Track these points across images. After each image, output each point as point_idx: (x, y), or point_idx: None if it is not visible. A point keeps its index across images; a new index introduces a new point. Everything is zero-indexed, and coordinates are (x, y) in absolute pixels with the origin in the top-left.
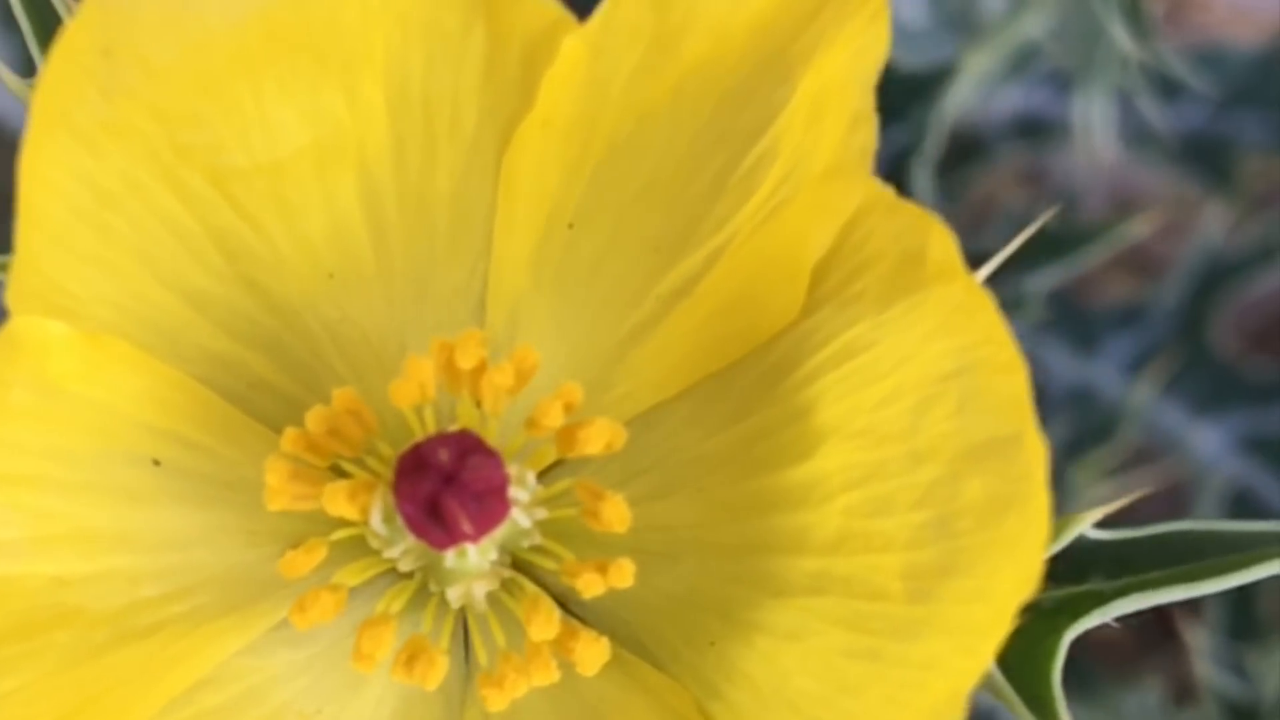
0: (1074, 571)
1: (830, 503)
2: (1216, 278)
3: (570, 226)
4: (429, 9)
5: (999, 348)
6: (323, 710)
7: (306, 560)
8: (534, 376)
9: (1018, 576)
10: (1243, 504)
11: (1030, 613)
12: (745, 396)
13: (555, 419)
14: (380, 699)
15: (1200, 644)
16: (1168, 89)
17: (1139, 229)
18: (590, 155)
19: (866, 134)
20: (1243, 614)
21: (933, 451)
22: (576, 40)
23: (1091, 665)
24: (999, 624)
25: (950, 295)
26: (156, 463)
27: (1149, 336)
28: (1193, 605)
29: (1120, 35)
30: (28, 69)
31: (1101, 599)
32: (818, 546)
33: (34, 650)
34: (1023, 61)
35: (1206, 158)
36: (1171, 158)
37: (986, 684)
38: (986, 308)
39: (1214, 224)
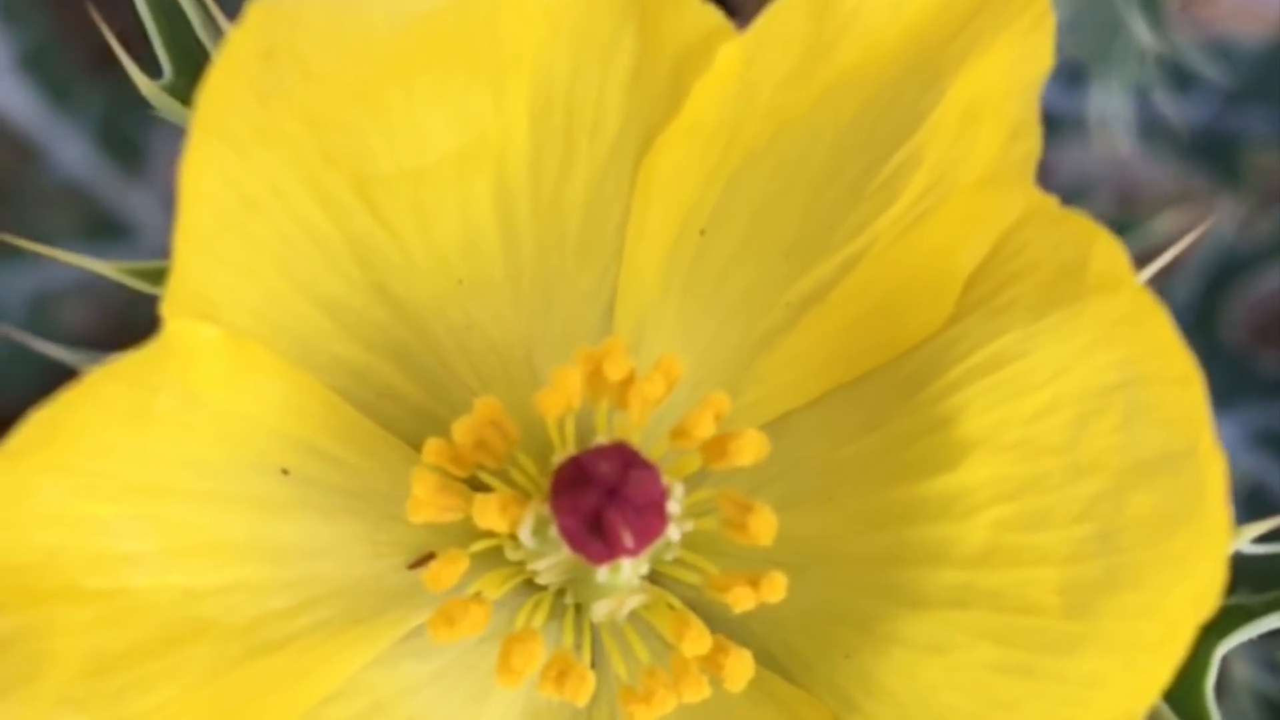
0: None
1: (977, 515)
2: (1227, 273)
3: (702, 233)
4: (582, 15)
5: (1170, 360)
6: None
7: (450, 572)
8: (677, 386)
9: (1191, 594)
10: (1256, 500)
11: None
12: (880, 405)
13: (706, 429)
14: (505, 713)
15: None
16: (1177, 83)
17: (1163, 227)
18: (728, 161)
19: (1029, 143)
20: None
21: (1096, 465)
22: (734, 50)
23: None
24: (1172, 642)
25: (1113, 306)
26: (285, 472)
27: None
28: None
29: (1140, 28)
30: (28, 63)
31: (1250, 614)
32: (961, 559)
33: (173, 666)
34: None
35: (1214, 152)
36: (1180, 152)
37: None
38: (1156, 318)
39: (1225, 220)
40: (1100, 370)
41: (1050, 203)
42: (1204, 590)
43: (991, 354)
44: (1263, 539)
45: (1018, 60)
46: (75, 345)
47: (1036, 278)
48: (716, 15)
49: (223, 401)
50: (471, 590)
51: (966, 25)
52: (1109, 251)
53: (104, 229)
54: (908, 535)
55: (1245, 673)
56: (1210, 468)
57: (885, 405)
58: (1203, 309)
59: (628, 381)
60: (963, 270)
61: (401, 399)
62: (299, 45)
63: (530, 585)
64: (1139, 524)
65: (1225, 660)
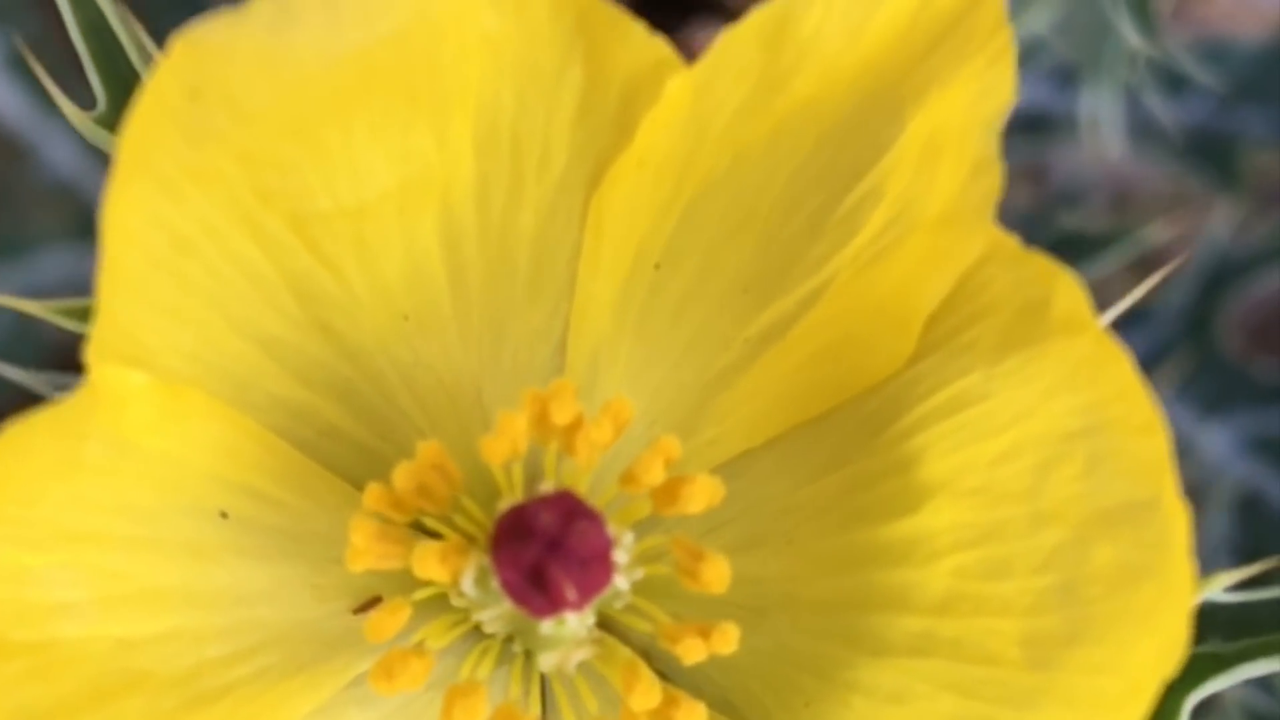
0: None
1: (938, 562)
2: (1223, 277)
3: (657, 267)
4: (525, 49)
5: (1134, 406)
6: None
7: (391, 622)
8: (628, 428)
9: (1155, 649)
10: (1252, 507)
11: None
12: (841, 445)
13: (655, 475)
14: None
15: None
16: (1172, 84)
17: (1157, 235)
18: (683, 193)
19: (990, 181)
20: None
21: (1058, 514)
22: (683, 82)
23: None
24: (1134, 699)
25: (1076, 349)
26: (224, 515)
27: (1156, 336)
28: None
29: (1128, 30)
30: (17, 63)
31: (1222, 663)
32: (922, 606)
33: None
34: (1026, 57)
35: (1210, 154)
36: (1175, 154)
37: None
38: (1118, 362)
39: (1220, 223)
40: (1062, 415)
41: (1011, 242)
42: (1168, 646)
43: (953, 395)
44: (1237, 587)
45: (979, 95)
46: (62, 349)
47: (998, 318)
48: (664, 47)
49: (155, 447)
50: (415, 638)
51: (927, 57)
52: (1070, 292)
53: (93, 228)
54: (869, 580)
55: (1237, 689)
56: (1174, 519)
57: (846, 445)
58: (1198, 313)
59: (575, 425)
60: (924, 309)
61: (344, 438)
62: (228, 83)
63: (478, 631)
64: (1102, 576)
65: None
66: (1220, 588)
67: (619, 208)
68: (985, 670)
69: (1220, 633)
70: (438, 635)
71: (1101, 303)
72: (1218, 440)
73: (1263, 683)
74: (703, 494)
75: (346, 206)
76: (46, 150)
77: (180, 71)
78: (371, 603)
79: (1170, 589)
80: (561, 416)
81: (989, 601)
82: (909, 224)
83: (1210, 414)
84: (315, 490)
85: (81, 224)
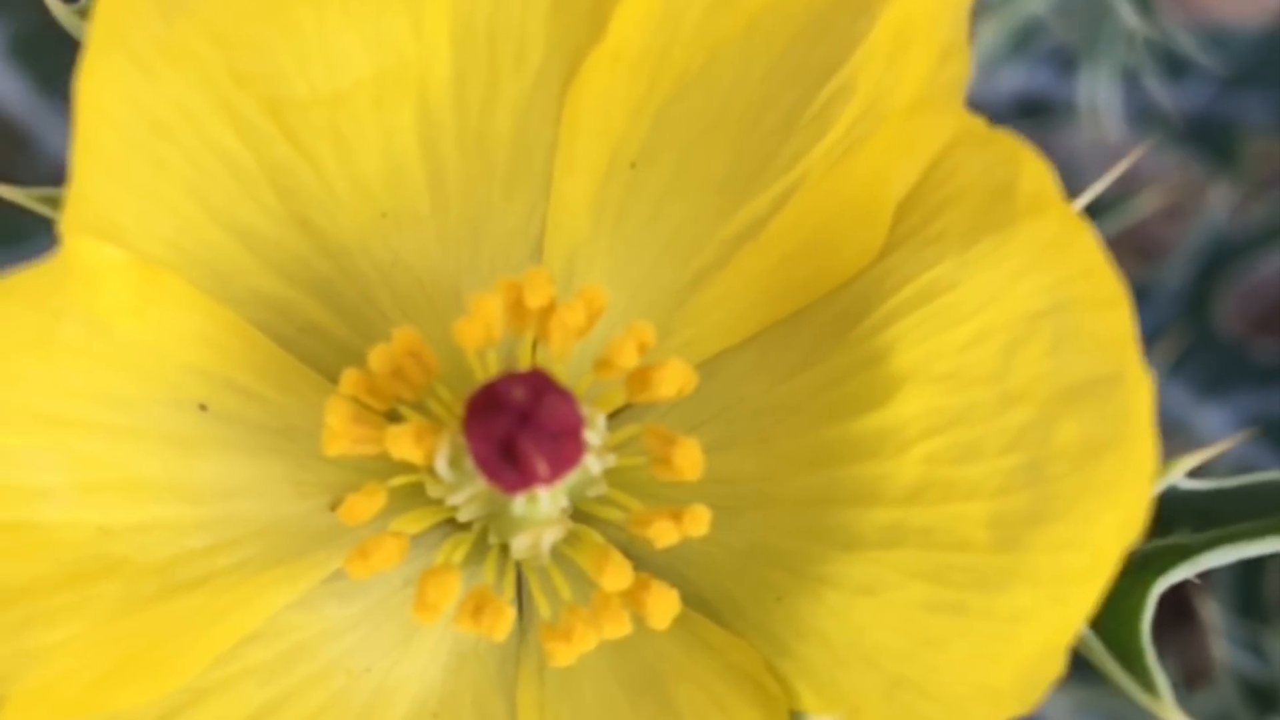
0: (1158, 523)
1: (908, 451)
2: (1221, 259)
3: (633, 166)
4: None
5: (1098, 282)
6: (372, 668)
7: (367, 505)
8: (601, 317)
9: (1117, 522)
10: None
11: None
12: (815, 342)
13: (629, 359)
14: (432, 656)
15: (1217, 624)
16: (1171, 69)
17: (1146, 205)
18: (658, 91)
19: (958, 66)
20: (1252, 594)
21: (1024, 394)
22: None
23: None
24: (1096, 572)
25: (1043, 229)
26: (204, 408)
27: (1153, 319)
28: (1208, 587)
29: (1127, 12)
30: (18, 51)
31: (1189, 552)
32: (893, 497)
33: (83, 601)
34: (1025, 40)
35: (1210, 139)
36: (1175, 138)
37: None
38: (1083, 240)
39: (1218, 205)
40: (1029, 296)
41: (978, 124)
42: (1130, 518)
43: (924, 285)
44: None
45: None
46: None
47: (967, 204)
48: None
49: (133, 332)
50: (391, 529)
51: None
52: (1037, 172)
53: None
54: (841, 475)
55: (1227, 655)
56: (1136, 393)
57: (820, 342)
58: (1195, 296)
59: (549, 310)
60: (893, 198)
61: (324, 334)
62: None
63: (453, 525)
64: (1066, 452)
65: (1207, 643)
66: (1183, 471)
67: (594, 104)
68: (954, 556)
69: (1189, 523)
70: (414, 523)
71: None
72: (1215, 421)
73: (1254, 648)
74: (675, 378)
75: (322, 94)
76: (48, 139)
77: None
78: None
79: (1132, 460)
80: (535, 300)
81: (958, 486)
82: (879, 116)
83: (1208, 395)
84: (295, 385)
85: None
